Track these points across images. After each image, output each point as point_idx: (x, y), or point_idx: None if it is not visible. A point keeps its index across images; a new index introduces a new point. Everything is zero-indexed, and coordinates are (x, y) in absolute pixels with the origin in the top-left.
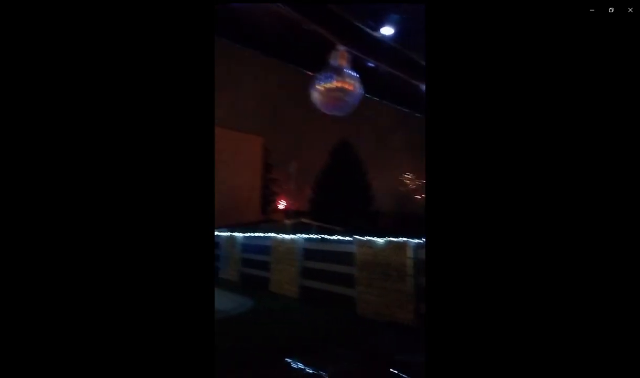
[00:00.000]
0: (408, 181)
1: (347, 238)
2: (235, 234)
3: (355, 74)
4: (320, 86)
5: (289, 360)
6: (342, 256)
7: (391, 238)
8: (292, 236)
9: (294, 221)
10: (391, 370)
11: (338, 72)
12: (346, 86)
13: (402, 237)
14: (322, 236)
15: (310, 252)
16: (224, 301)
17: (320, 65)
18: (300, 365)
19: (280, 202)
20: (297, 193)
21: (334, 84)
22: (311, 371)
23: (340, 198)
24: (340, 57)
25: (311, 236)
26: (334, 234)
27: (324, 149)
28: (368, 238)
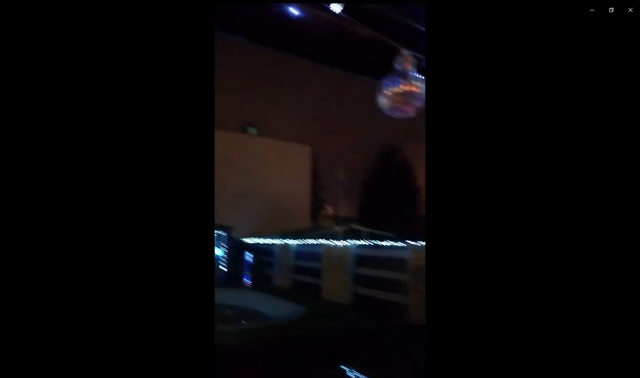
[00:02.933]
0: None
1: (400, 244)
2: (287, 241)
3: (421, 77)
4: (387, 91)
5: (344, 367)
6: (394, 262)
7: None
8: (343, 242)
9: (344, 227)
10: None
11: (404, 76)
12: (413, 89)
13: None
14: (374, 242)
15: (362, 259)
16: (277, 308)
17: (385, 70)
18: (356, 373)
19: (329, 209)
20: (346, 199)
21: (401, 88)
22: None
23: (388, 203)
24: (405, 61)
25: (363, 242)
26: (386, 240)
27: (371, 154)
28: (423, 243)
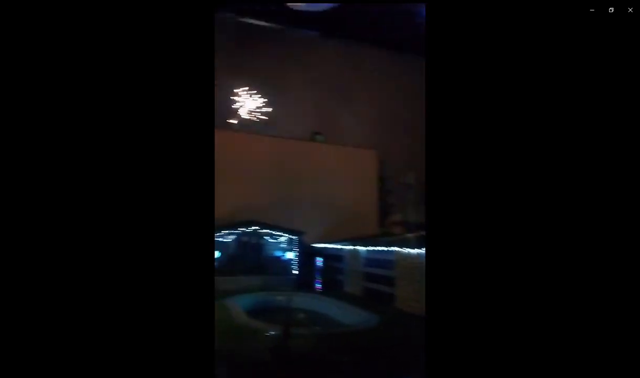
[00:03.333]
0: None
1: None
2: (358, 248)
3: None
4: None
5: None
6: None
7: None
8: (417, 250)
9: (417, 234)
10: None
11: None
12: None
13: None
14: None
15: None
16: (349, 315)
17: None
18: None
19: (399, 215)
20: (416, 204)
21: None
22: None
23: None
24: None
25: None
26: None
27: None
28: None
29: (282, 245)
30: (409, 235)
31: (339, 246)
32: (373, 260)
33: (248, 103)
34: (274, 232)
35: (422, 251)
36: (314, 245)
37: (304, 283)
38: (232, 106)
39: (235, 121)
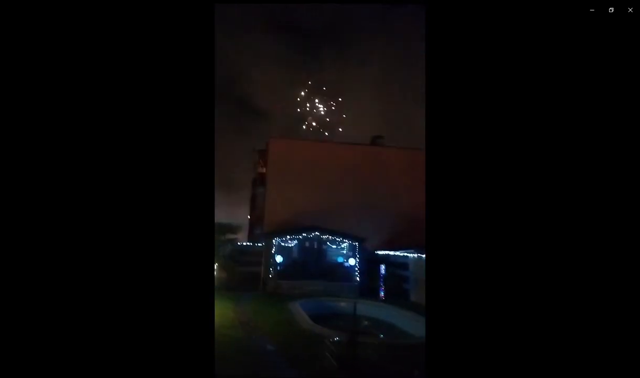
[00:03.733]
0: None
1: None
2: (423, 255)
3: None
4: None
5: None
6: None
7: None
8: None
9: None
10: None
11: None
12: None
13: None
14: None
15: None
16: (416, 326)
17: None
18: None
19: None
20: None
21: None
22: None
23: None
24: None
25: None
26: None
27: None
28: None
29: (343, 251)
30: None
31: (402, 254)
32: None
33: (317, 111)
34: (335, 238)
35: None
36: (376, 251)
37: (366, 290)
38: (296, 115)
39: (293, 139)
